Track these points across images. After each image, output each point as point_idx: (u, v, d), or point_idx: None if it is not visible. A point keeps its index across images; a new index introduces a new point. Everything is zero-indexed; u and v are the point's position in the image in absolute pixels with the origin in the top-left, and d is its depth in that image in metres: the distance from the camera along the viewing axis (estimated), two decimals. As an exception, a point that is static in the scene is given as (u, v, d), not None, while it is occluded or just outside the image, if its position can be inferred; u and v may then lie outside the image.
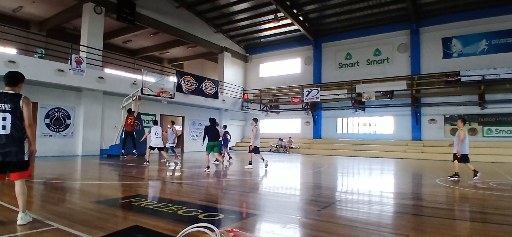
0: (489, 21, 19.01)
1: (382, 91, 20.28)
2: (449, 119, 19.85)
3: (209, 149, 10.28)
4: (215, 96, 21.66)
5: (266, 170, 10.71)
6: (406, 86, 19.78)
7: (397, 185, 8.55)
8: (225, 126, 15.52)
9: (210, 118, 10.81)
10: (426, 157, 18.38)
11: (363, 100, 20.71)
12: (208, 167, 10.01)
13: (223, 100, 23.40)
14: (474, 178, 8.73)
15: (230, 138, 15.50)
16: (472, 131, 18.96)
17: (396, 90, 19.96)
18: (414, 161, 17.20)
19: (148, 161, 11.84)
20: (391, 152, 19.87)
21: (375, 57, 22.68)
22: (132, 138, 14.47)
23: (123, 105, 16.29)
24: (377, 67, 22.49)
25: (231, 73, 26.61)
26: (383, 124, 22.44)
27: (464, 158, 9.01)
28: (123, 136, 14.84)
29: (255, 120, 11.42)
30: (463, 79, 18.39)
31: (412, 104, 20.31)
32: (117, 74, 18.42)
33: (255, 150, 11.23)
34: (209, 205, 5.38)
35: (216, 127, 10.58)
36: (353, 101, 21.35)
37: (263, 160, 11.30)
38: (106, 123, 17.16)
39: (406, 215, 5.03)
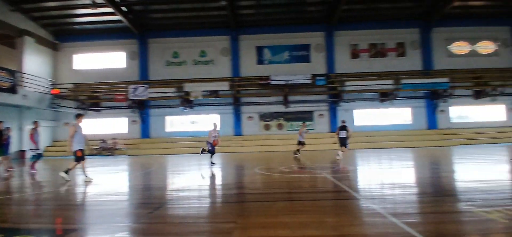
0: (291, 36, 23.42)
1: (208, 91, 21.44)
2: (263, 116, 23.13)
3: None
4: (12, 90, 17.22)
5: (86, 180, 9.10)
6: (228, 87, 21.73)
7: (223, 177, 9.16)
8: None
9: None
10: (246, 150, 20.70)
11: (191, 98, 21.29)
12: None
13: (25, 95, 18.77)
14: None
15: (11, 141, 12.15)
16: (280, 126, 22.81)
17: (221, 90, 21.58)
18: (236, 154, 19.02)
19: None
20: (217, 147, 21.21)
21: (201, 58, 23.76)
22: None
23: None
24: (204, 67, 23.65)
25: (36, 63, 21.79)
26: (209, 121, 23.72)
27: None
28: None
29: (79, 115, 8.40)
30: (272, 82, 21.80)
31: (234, 103, 22.48)
32: None
33: (80, 157, 8.05)
34: (11, 227, 4.12)
35: None
36: (181, 100, 21.60)
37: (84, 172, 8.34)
38: None
39: (232, 203, 5.40)
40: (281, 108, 22.75)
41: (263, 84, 22.19)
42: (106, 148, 21.37)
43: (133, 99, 21.45)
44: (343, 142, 12.56)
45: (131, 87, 21.34)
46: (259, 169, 10.12)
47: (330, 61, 23.41)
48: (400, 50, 23.72)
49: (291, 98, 22.23)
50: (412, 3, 22.01)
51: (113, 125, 23.87)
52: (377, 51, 23.78)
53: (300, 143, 15.06)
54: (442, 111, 22.94)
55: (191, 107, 22.39)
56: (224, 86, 21.81)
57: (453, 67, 22.98)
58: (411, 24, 23.41)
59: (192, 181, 8.50)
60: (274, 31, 23.37)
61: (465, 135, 21.68)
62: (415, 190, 6.34)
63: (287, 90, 21.86)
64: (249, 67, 23.52)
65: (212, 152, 12.23)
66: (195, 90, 21.22)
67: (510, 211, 3.92)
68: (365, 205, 4.83)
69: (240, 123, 23.14)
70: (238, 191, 6.62)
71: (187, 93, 21.25)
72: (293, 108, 22.59)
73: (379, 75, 22.57)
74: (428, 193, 5.86)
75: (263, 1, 21.77)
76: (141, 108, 22.83)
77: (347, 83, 21.68)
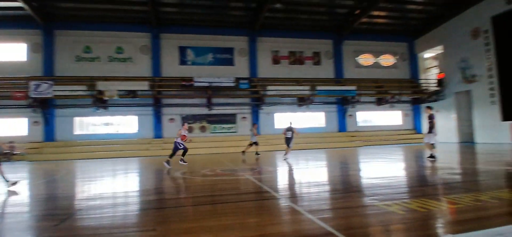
0: (215, 39, 23.35)
1: (125, 90, 20.06)
2: (186, 118, 22.49)
3: None
4: None
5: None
6: (148, 87, 20.65)
7: (142, 183, 8.64)
8: None
9: None
10: (167, 153, 19.77)
11: (105, 98, 19.65)
12: None
13: None
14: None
15: None
16: (203, 129, 22.51)
17: (139, 90, 20.38)
18: (157, 158, 18.13)
19: None
20: (135, 151, 20.02)
21: (118, 55, 22.12)
22: None
23: None
24: (120, 65, 22.06)
25: None
26: (126, 123, 22.21)
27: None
28: None
29: None
30: (195, 84, 21.43)
31: (154, 104, 21.42)
32: None
33: None
34: None
35: None
36: (94, 99, 19.78)
37: None
38: None
39: (151, 210, 5.11)
40: (204, 111, 22.51)
41: (186, 86, 21.65)
42: (1, 153, 18.28)
43: (35, 97, 18.89)
44: (288, 142, 14.02)
45: (33, 83, 18.78)
46: (181, 173, 9.82)
47: (253, 66, 24.03)
48: (316, 59, 25.61)
49: (215, 100, 22.17)
50: (327, 17, 24.00)
51: (10, 126, 20.56)
52: (296, 59, 25.27)
53: (254, 143, 15.55)
54: (350, 115, 25.45)
55: (105, 107, 20.62)
56: (144, 86, 20.67)
57: (360, 76, 25.70)
58: (326, 35, 25.49)
59: (106, 188, 7.83)
60: (198, 32, 23.04)
61: (369, 137, 24.45)
62: (328, 187, 6.86)
63: (210, 92, 21.72)
64: (171, 67, 22.72)
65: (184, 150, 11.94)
66: (110, 89, 19.65)
67: (406, 204, 4.52)
68: (284, 204, 5.05)
69: (160, 126, 22.16)
70: (158, 197, 6.30)
71: (101, 92, 19.56)
72: (216, 110, 22.55)
73: (298, 81, 24.01)
74: (339, 190, 6.40)
75: (187, 0, 21.30)
76: (45, 107, 20.14)
77: (269, 87, 22.53)
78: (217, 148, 20.79)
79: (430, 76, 27.33)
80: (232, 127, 23.23)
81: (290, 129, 14.06)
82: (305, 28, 24.74)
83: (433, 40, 25.51)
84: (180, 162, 11.66)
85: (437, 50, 26.12)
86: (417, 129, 26.80)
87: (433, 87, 25.82)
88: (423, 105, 25.90)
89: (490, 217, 3.85)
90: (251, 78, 23.36)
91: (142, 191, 7.14)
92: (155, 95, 21.22)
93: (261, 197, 5.79)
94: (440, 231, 3.48)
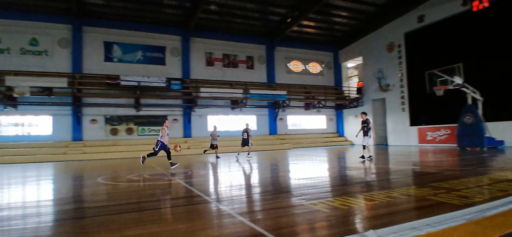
0: (145, 36, 22.20)
1: (39, 87, 17.91)
2: (110, 120, 20.94)
3: None
4: None
5: None
6: (67, 84, 18.73)
7: (57, 191, 7.76)
8: None
9: None
10: (87, 158, 18.27)
11: (15, 95, 17.29)
12: None
13: None
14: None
15: None
16: (130, 131, 21.19)
17: (56, 88, 18.37)
18: (75, 162, 16.53)
19: None
20: (49, 155, 17.94)
21: (31, 47, 19.63)
22: None
23: None
24: (34, 58, 19.62)
25: None
26: (39, 124, 19.76)
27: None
28: None
29: None
30: (122, 83, 20.06)
31: (73, 104, 19.47)
32: None
33: None
34: None
35: None
36: (1, 96, 17.27)
37: None
38: None
39: (69, 220, 4.61)
40: (131, 111, 21.22)
41: (111, 84, 20.14)
42: None
43: None
44: (245, 142, 15.67)
45: None
46: (103, 178, 9.09)
47: (185, 66, 23.44)
48: (250, 63, 26.06)
49: (144, 101, 21.06)
50: (261, 23, 24.60)
51: None
52: (230, 62, 25.38)
53: (213, 146, 16.32)
54: (281, 119, 26.44)
55: (14, 106, 18.12)
56: (61, 82, 18.61)
57: (290, 82, 26.86)
58: (259, 41, 26.12)
59: (15, 198, 6.86)
60: (127, 28, 21.64)
61: (297, 140, 25.69)
62: (259, 189, 6.99)
63: (139, 92, 20.58)
64: (95, 64, 20.93)
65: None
66: (21, 85, 17.31)
67: (330, 202, 4.82)
68: (216, 208, 4.99)
69: (80, 127, 20.20)
70: (77, 206, 5.71)
71: (10, 88, 17.15)
72: (145, 111, 21.44)
73: (231, 84, 24.14)
74: (270, 191, 6.56)
75: (115, -7, 19.88)
76: None
77: (202, 89, 22.18)
78: (146, 152, 19.67)
79: (352, 84, 29.85)
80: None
81: (245, 130, 15.77)
82: (239, 32, 25.00)
83: (354, 51, 27.94)
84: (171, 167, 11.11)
85: (358, 61, 28.73)
86: (340, 132, 29.00)
87: (353, 94, 28.22)
88: (345, 111, 28.26)
89: (401, 211, 4.32)
90: (183, 79, 22.74)
91: (57, 200, 6.40)
92: (75, 94, 19.31)
93: (192, 202, 5.63)
94: (360, 226, 3.78)
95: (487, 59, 17.47)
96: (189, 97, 22.40)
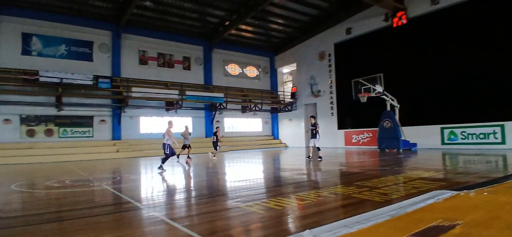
0: (70, 29, 20.27)
1: None
2: (26, 120, 18.69)
3: None
4: None
5: None
6: (-28, 78, 16.22)
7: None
8: None
9: None
10: (0, 162, 16.02)
11: None
12: None
13: None
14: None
15: None
16: (49, 132, 19.16)
17: (-43, 81, 15.82)
18: (-20, 168, 14.37)
19: None
20: None
21: None
22: None
23: None
24: None
25: None
26: None
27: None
28: None
29: None
30: (42, 79, 18.08)
31: (-20, 101, 16.95)
32: None
33: None
34: None
35: None
36: None
37: None
38: None
39: (-31, 236, 4.00)
40: (52, 111, 19.21)
41: (28, 80, 17.97)
42: None
43: None
44: (214, 145, 15.84)
45: None
46: (18, 185, 8.07)
47: (116, 64, 21.98)
48: (186, 63, 25.49)
49: (67, 99, 19.23)
50: (199, 23, 24.21)
51: None
52: (165, 61, 24.51)
53: (186, 146, 14.99)
54: (217, 121, 26.33)
55: None
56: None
57: (227, 84, 26.93)
58: (197, 41, 25.70)
59: None
60: (48, 18, 19.50)
61: (234, 142, 25.85)
62: (193, 193, 6.87)
63: (61, 90, 18.73)
64: (10, 57, 18.46)
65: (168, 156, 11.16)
66: None
67: (265, 203, 4.94)
68: (148, 214, 4.77)
69: (-11, 127, 17.69)
70: (-19, 217, 4.97)
71: None
72: (68, 111, 19.58)
73: (166, 85, 23.32)
74: (204, 195, 6.49)
75: (33, -21, 17.82)
76: None
77: (134, 89, 21.02)
78: (68, 155, 18.04)
79: (286, 89, 31.08)
80: (87, 131, 20.56)
81: (214, 133, 16.29)
82: (176, 32, 24.30)
83: (289, 58, 29.15)
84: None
85: (292, 67, 30.06)
86: (274, 135, 29.97)
87: (288, 99, 29.40)
88: (280, 114, 29.31)
89: (330, 209, 4.62)
90: (113, 77, 21.28)
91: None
92: (-18, 89, 16.85)
93: (121, 209, 5.31)
94: (295, 226, 3.94)
95: (403, 70, 19.73)
96: (119, 96, 21.06)
